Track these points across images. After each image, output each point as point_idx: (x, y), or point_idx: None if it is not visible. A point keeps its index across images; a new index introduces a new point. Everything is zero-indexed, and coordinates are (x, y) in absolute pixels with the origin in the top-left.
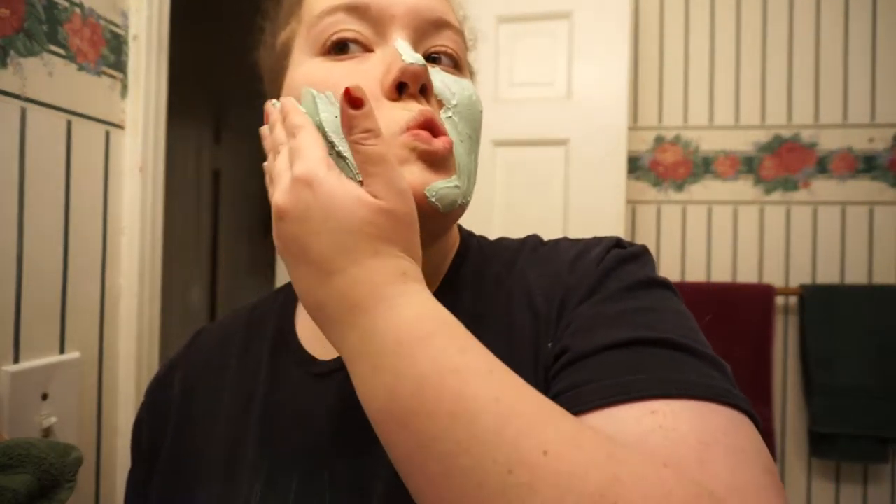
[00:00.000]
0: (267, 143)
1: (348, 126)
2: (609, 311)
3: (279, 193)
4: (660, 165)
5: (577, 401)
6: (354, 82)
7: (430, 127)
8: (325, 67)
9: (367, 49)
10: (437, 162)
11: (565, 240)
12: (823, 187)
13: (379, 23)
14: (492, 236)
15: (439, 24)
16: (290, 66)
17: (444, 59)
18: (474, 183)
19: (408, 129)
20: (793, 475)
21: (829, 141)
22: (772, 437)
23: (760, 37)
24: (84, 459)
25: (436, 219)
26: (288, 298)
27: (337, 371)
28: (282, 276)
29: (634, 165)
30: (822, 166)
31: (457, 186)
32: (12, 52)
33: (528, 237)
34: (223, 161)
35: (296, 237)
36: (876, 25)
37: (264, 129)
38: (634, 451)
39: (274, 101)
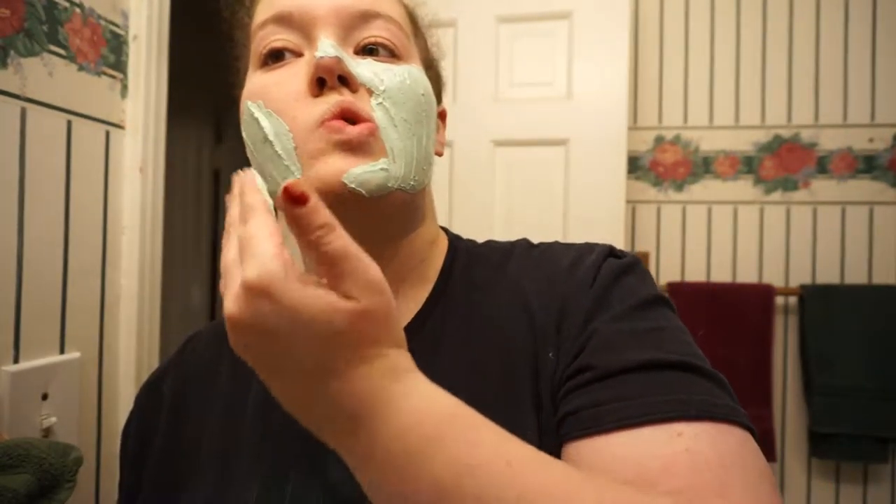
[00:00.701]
0: (227, 220)
1: (298, 227)
2: (622, 330)
3: (230, 301)
4: (660, 165)
5: (601, 419)
6: (284, 87)
7: (348, 116)
8: (260, 78)
9: (299, 54)
10: (355, 148)
11: (557, 244)
12: (823, 187)
13: (305, 27)
14: (492, 237)
15: (366, 16)
16: (247, 76)
17: (379, 49)
18: (425, 167)
19: (322, 122)
20: (793, 475)
21: (829, 141)
22: (772, 437)
23: (760, 37)
24: (84, 459)
25: (367, 205)
26: None
27: None
28: None
29: (634, 165)
30: (822, 166)
31: (383, 169)
32: (12, 52)
33: (518, 241)
34: (223, 161)
35: (261, 353)
36: (876, 25)
37: (227, 199)
38: (683, 484)
39: (239, 170)
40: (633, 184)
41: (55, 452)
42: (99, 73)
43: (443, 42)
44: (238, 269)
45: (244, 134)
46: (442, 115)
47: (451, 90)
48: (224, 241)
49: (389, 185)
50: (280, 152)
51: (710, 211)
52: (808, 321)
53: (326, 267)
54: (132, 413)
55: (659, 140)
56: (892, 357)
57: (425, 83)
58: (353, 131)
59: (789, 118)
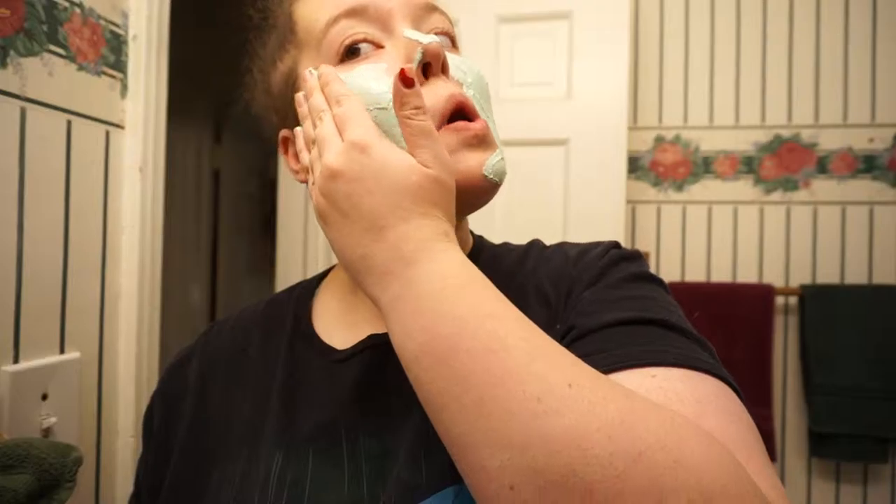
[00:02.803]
0: (303, 110)
1: (400, 102)
2: (610, 297)
3: (332, 155)
4: (660, 165)
5: None
6: (382, 84)
7: (462, 109)
8: (344, 73)
9: (378, 46)
10: (483, 140)
11: (567, 243)
12: (823, 187)
13: (380, 19)
14: (492, 237)
15: (429, 8)
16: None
17: (444, 39)
18: None
19: (443, 121)
20: (793, 475)
21: (829, 141)
22: (772, 437)
23: (760, 37)
24: (84, 459)
25: (492, 193)
26: (303, 294)
27: (355, 355)
28: (282, 276)
29: (634, 165)
30: (822, 166)
31: (502, 158)
32: (12, 52)
33: (532, 241)
34: (223, 161)
35: (348, 195)
36: (876, 25)
37: (300, 97)
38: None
39: (311, 68)
40: (633, 184)
41: (55, 452)
42: (99, 73)
43: None
44: (337, 137)
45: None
46: None
47: None
48: (306, 126)
49: (506, 171)
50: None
51: (710, 211)
52: (808, 321)
53: (411, 138)
54: (156, 392)
55: (659, 140)
56: (892, 357)
57: (479, 73)
58: (477, 127)
59: (789, 118)
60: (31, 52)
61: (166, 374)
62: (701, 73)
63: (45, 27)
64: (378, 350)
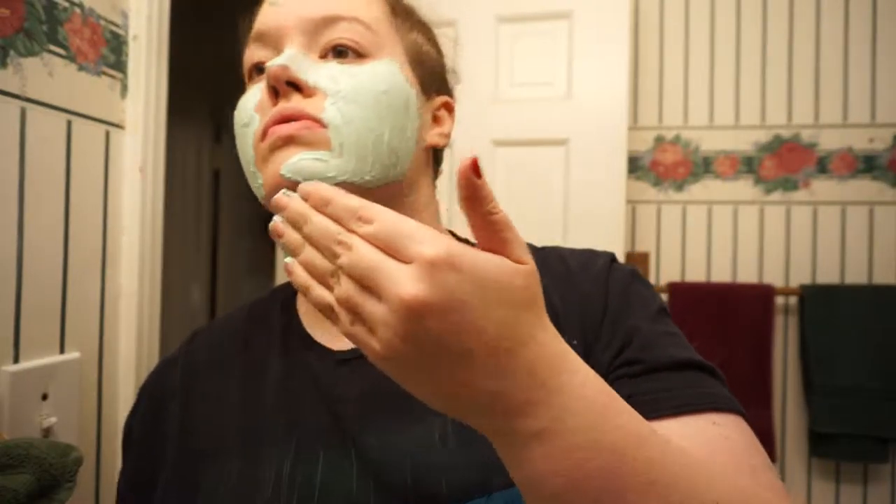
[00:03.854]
0: (292, 239)
1: (479, 197)
2: (659, 331)
3: (411, 284)
4: (660, 165)
5: (658, 406)
6: (250, 100)
7: (286, 119)
8: (244, 95)
9: None
10: (288, 141)
11: (561, 248)
12: (823, 187)
13: (276, 42)
14: None
15: (328, 21)
16: None
17: (347, 51)
18: (389, 162)
19: (263, 134)
20: (793, 475)
21: (829, 141)
22: (772, 437)
23: (760, 37)
24: (84, 459)
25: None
26: (287, 297)
27: (358, 358)
28: (282, 276)
29: (634, 165)
30: (822, 166)
31: (319, 160)
32: (12, 52)
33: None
34: (223, 161)
35: (451, 331)
36: (876, 25)
37: (278, 226)
38: (739, 478)
39: (284, 191)
40: (633, 184)
41: (55, 452)
42: (99, 73)
43: (442, 42)
44: (392, 262)
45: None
46: (447, 106)
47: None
48: (312, 257)
49: (330, 174)
50: (247, 166)
51: (710, 211)
52: (808, 321)
53: (497, 234)
54: (139, 400)
55: (659, 140)
56: (892, 357)
57: (391, 79)
58: (284, 128)
59: (789, 118)
60: (31, 52)
61: (149, 382)
62: (701, 73)
63: (45, 27)
64: None
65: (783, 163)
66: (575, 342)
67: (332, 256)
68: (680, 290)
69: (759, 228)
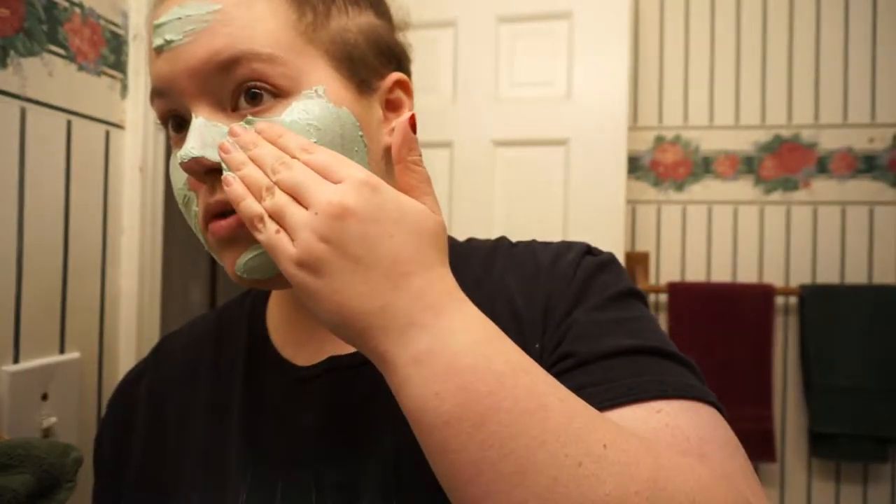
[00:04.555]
0: (234, 157)
1: (408, 147)
2: (601, 320)
3: (336, 192)
4: (660, 165)
5: (589, 401)
6: (178, 179)
7: (219, 212)
8: (173, 157)
9: (188, 120)
10: (229, 243)
11: (536, 243)
12: (823, 187)
13: (181, 98)
14: (492, 236)
15: (224, 67)
16: None
17: (261, 94)
18: None
19: (205, 227)
20: (793, 475)
21: (829, 141)
22: (772, 437)
23: (760, 37)
24: (84, 459)
25: (258, 286)
26: (256, 304)
27: (318, 377)
28: None
29: (634, 165)
30: (822, 166)
31: (263, 253)
32: (12, 52)
33: (499, 239)
34: None
35: (363, 237)
36: (876, 25)
37: (225, 144)
38: (658, 443)
39: (242, 123)
40: (633, 184)
41: (55, 452)
42: (99, 73)
43: (442, 42)
44: (323, 180)
45: None
46: (401, 84)
47: (451, 90)
48: (253, 173)
49: (285, 259)
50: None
51: (710, 211)
52: (808, 321)
53: (417, 185)
54: (106, 417)
55: (659, 140)
56: (892, 357)
57: (321, 115)
58: (222, 229)
59: (789, 118)
60: (31, 52)
61: (115, 396)
62: (701, 73)
63: (45, 27)
64: (342, 374)
65: (783, 163)
66: (536, 346)
67: (273, 173)
68: (680, 290)
69: (759, 228)
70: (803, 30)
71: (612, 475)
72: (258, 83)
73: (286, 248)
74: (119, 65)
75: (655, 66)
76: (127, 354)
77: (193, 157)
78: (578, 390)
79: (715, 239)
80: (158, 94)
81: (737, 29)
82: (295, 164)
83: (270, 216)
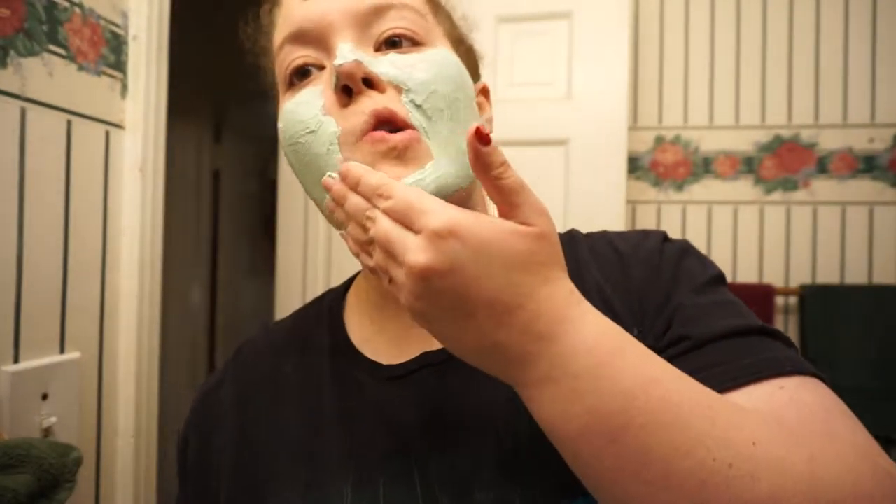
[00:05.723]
0: (340, 215)
1: (483, 164)
2: (704, 303)
3: (414, 254)
4: (660, 165)
5: (714, 381)
6: (313, 106)
7: (385, 122)
8: (289, 101)
9: (321, 67)
10: (402, 156)
11: (610, 232)
12: (823, 187)
13: (322, 39)
14: None
15: (379, 10)
16: (280, 101)
17: (401, 41)
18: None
19: (363, 135)
20: None
21: (829, 141)
22: None
23: (760, 37)
24: (84, 459)
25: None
26: (334, 305)
27: (413, 373)
28: (282, 278)
29: (634, 165)
30: (822, 166)
31: (421, 179)
32: (12, 52)
33: (571, 231)
34: (223, 161)
35: (451, 291)
36: (876, 25)
37: (329, 203)
38: (798, 428)
39: (329, 173)
40: (633, 184)
41: (55, 452)
42: (99, 73)
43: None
44: (405, 233)
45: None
46: (484, 92)
47: None
48: (354, 230)
49: (446, 190)
50: (314, 174)
51: (710, 211)
52: (808, 321)
53: (505, 198)
54: (188, 423)
55: (659, 140)
56: (892, 357)
57: (456, 65)
58: (396, 139)
59: (789, 118)
60: (31, 52)
61: (198, 404)
62: (701, 73)
63: (45, 27)
64: (436, 369)
65: (783, 163)
66: (636, 331)
67: (365, 230)
68: None
69: (759, 228)
70: (803, 30)
71: (768, 471)
72: (404, 30)
73: (399, 297)
74: (119, 65)
75: (655, 66)
76: (127, 354)
77: (355, 60)
78: (698, 372)
79: (715, 239)
80: (297, 37)
81: (737, 29)
82: (378, 219)
83: (380, 271)
